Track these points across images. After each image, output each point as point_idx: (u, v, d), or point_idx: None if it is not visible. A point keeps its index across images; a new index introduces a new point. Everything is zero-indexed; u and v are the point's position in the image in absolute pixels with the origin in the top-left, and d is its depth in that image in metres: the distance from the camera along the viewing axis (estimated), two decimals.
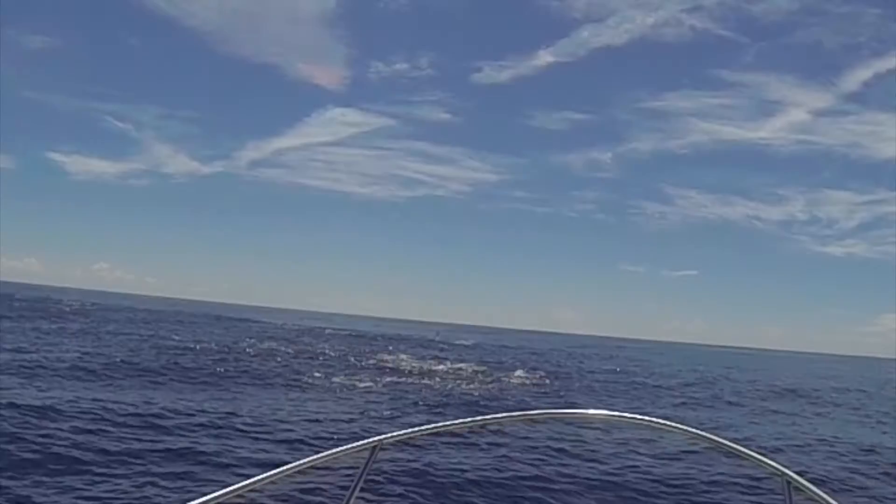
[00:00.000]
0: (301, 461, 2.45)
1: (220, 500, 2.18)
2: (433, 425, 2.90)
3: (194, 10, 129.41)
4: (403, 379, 22.78)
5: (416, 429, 2.82)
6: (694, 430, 2.76)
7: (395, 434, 2.71)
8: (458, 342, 51.28)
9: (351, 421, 13.82)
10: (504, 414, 3.08)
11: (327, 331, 53.32)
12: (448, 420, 3.00)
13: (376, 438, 2.62)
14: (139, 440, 10.34)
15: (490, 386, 22.39)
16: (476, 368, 28.44)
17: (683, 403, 22.16)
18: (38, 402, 12.12)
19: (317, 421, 13.37)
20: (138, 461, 9.28)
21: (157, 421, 11.72)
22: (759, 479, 9.18)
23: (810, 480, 2.46)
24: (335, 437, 11.89)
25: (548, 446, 11.43)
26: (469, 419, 2.99)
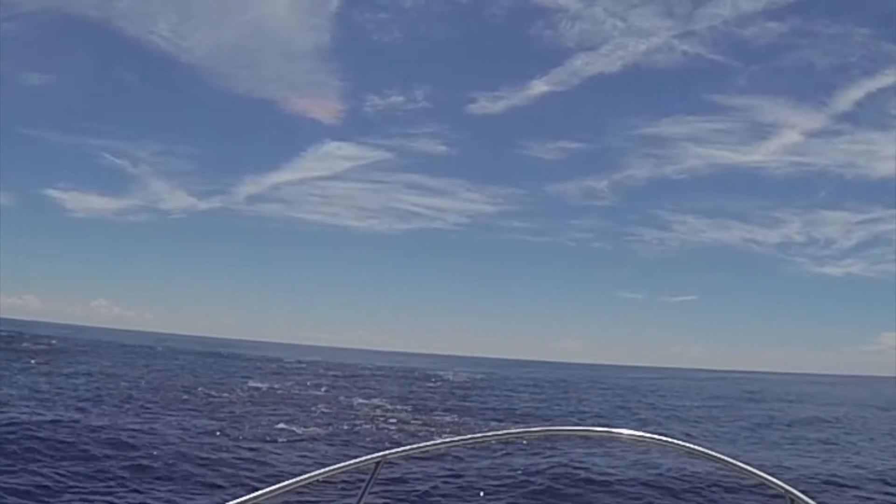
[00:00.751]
0: (306, 475, 2.47)
1: None
2: (439, 441, 3.08)
3: (190, 46, 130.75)
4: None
5: (422, 444, 2.86)
6: (699, 447, 2.78)
7: (399, 449, 2.74)
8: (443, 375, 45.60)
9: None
10: (508, 431, 3.12)
11: (320, 367, 52.68)
12: (450, 437, 3.09)
13: (380, 454, 2.62)
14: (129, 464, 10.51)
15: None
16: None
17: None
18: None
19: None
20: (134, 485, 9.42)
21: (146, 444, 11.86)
22: (763, 498, 9.19)
23: (815, 499, 2.49)
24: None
25: (552, 463, 11.45)
26: (472, 436, 3.05)
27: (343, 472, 2.55)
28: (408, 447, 2.79)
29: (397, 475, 9.48)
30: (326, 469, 2.52)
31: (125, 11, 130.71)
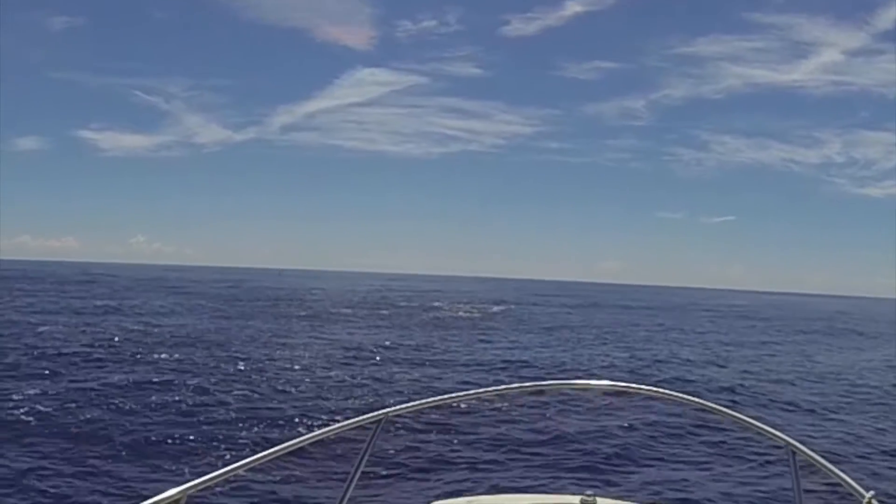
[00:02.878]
0: (308, 435, 2.49)
1: (230, 474, 2.22)
2: (438, 398, 2.94)
3: None
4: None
5: (422, 401, 2.88)
6: (699, 400, 2.80)
7: (400, 406, 2.76)
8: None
9: None
10: (506, 386, 3.17)
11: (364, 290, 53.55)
12: (453, 393, 3.08)
13: (382, 411, 2.66)
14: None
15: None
16: None
17: None
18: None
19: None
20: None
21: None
22: (763, 449, 9.10)
23: (814, 450, 2.50)
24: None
25: (553, 416, 11.45)
26: (473, 391, 3.07)
27: (345, 431, 2.58)
28: (409, 404, 2.82)
29: (400, 431, 9.49)
30: (329, 428, 2.55)
31: None
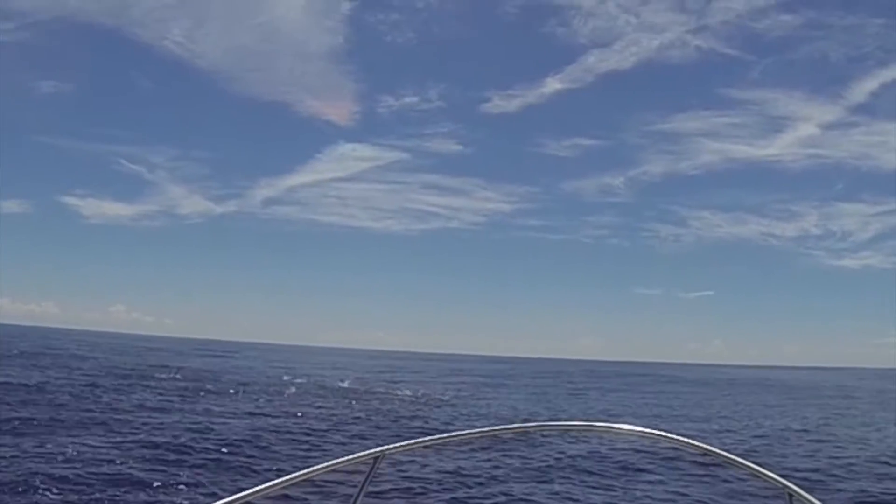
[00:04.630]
0: (304, 471, 2.49)
1: None
2: (437, 436, 2.94)
3: (204, 50, 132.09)
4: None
5: (420, 440, 2.86)
6: (697, 442, 2.78)
7: (398, 445, 2.73)
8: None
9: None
10: (503, 426, 3.18)
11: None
12: (452, 432, 3.11)
13: (379, 449, 2.64)
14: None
15: None
16: None
17: None
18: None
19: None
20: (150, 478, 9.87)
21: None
22: (762, 493, 9.35)
23: (813, 494, 2.51)
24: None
25: (550, 457, 11.67)
26: (468, 431, 3.01)
27: (342, 467, 2.57)
28: (407, 442, 2.79)
29: (396, 470, 9.69)
30: (326, 464, 2.54)
31: (139, 18, 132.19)
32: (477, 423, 18.10)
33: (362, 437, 14.55)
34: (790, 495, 2.51)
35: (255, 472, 10.77)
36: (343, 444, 13.68)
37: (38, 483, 9.26)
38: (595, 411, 24.42)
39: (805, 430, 19.99)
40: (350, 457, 2.60)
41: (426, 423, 18.39)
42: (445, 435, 3.00)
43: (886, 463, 13.83)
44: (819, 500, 2.49)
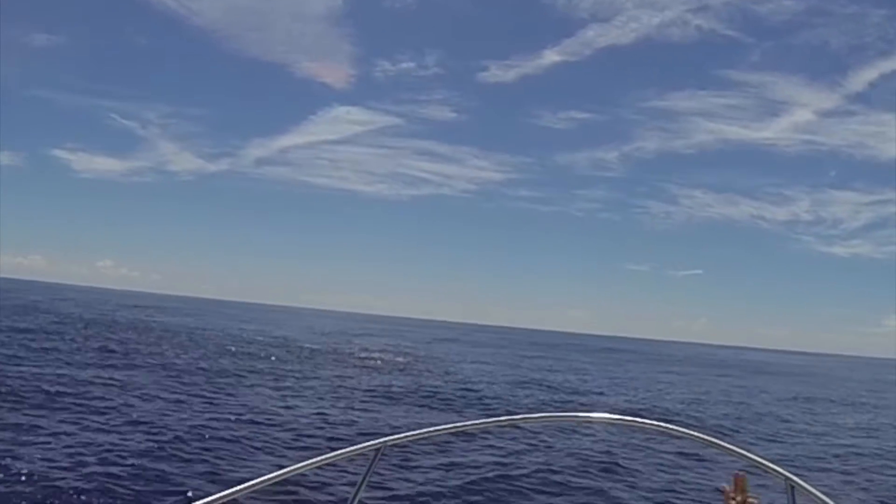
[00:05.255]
0: (306, 462, 2.49)
1: (225, 499, 2.22)
2: (437, 427, 2.93)
3: (201, 8, 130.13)
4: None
5: (420, 431, 2.86)
6: (696, 433, 2.79)
7: (399, 436, 2.75)
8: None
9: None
10: (507, 417, 3.21)
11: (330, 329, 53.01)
12: (453, 422, 3.05)
13: (380, 440, 2.66)
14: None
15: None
16: None
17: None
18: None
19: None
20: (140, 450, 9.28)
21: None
22: (762, 483, 9.13)
23: (813, 484, 2.47)
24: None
25: (550, 447, 11.45)
26: (471, 422, 3.07)
27: (343, 459, 2.59)
28: (408, 434, 2.81)
29: (398, 461, 9.37)
30: (327, 455, 2.55)
31: None
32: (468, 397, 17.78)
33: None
34: (791, 486, 2.48)
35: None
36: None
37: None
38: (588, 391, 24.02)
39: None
40: (351, 448, 2.60)
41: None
42: (447, 426, 3.01)
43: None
44: (821, 490, 2.45)
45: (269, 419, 12.70)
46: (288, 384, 18.33)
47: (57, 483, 7.97)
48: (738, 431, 16.42)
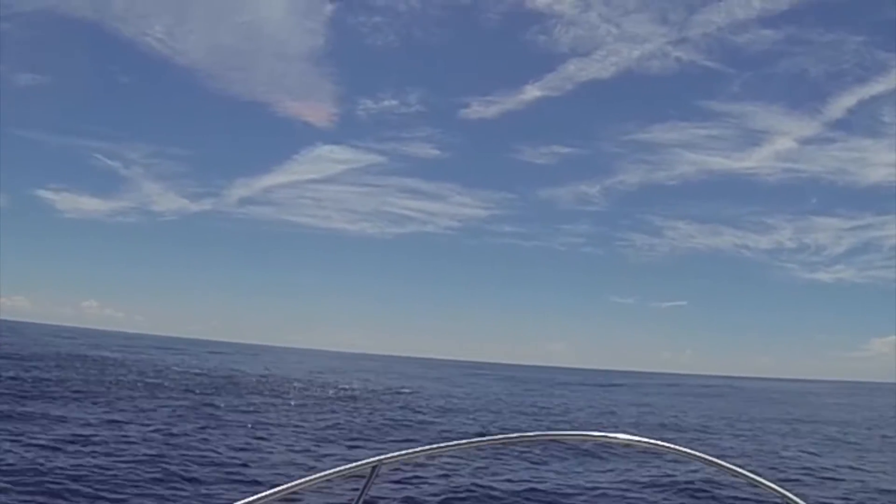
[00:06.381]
0: (300, 480, 2.46)
1: None
2: (433, 446, 2.91)
3: (185, 48, 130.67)
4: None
5: (416, 449, 2.84)
6: (695, 452, 2.77)
7: (394, 454, 2.70)
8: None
9: None
10: (504, 435, 3.24)
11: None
12: (448, 441, 2.99)
13: (376, 458, 2.63)
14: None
15: None
16: None
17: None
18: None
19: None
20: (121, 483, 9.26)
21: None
22: (759, 500, 9.19)
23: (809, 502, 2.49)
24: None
25: (548, 467, 11.45)
26: (467, 440, 3.03)
27: (339, 477, 2.54)
28: (404, 452, 2.76)
29: (394, 480, 9.39)
30: (322, 474, 2.50)
31: (120, 13, 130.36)
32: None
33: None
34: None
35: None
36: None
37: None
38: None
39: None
40: (347, 466, 2.57)
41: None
42: (444, 445, 2.93)
43: None
44: None
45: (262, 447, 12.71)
46: (281, 420, 18.28)
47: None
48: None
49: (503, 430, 18.17)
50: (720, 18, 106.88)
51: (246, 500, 2.30)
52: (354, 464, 2.57)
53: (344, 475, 2.55)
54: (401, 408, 24.03)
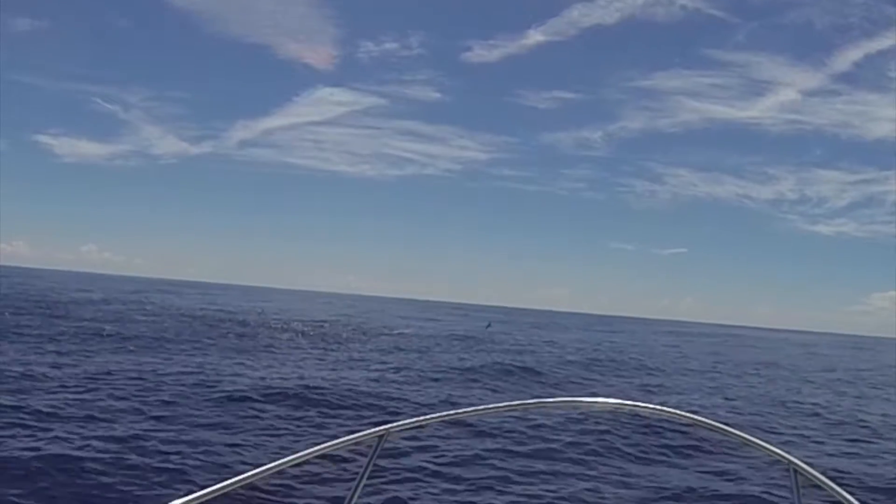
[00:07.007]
0: (309, 450, 2.48)
1: (230, 488, 2.22)
2: (440, 414, 2.92)
3: None
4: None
5: (424, 417, 2.85)
6: (699, 417, 2.77)
7: (402, 423, 2.73)
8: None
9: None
10: (507, 403, 3.11)
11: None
12: (456, 409, 3.03)
13: (383, 427, 2.66)
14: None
15: None
16: None
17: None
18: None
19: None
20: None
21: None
22: (764, 467, 9.23)
23: (816, 468, 2.47)
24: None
25: (554, 433, 11.42)
26: (473, 408, 3.03)
27: (345, 447, 2.58)
28: (411, 420, 2.79)
29: (402, 448, 9.33)
30: (328, 444, 2.53)
31: None
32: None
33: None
34: (795, 470, 2.47)
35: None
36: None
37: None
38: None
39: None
40: (353, 436, 2.58)
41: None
42: (450, 412, 2.96)
43: None
44: (823, 473, 2.45)
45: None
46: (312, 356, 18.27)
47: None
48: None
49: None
50: None
51: (256, 471, 2.31)
52: (360, 433, 2.60)
53: (350, 445, 2.58)
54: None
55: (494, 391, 17.51)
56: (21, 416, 10.33)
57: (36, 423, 9.97)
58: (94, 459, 8.55)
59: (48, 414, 10.61)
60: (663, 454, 10.83)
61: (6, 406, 10.77)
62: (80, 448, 8.95)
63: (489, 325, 45.61)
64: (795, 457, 2.50)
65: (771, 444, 2.62)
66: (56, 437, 9.38)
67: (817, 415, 16.99)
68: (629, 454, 10.72)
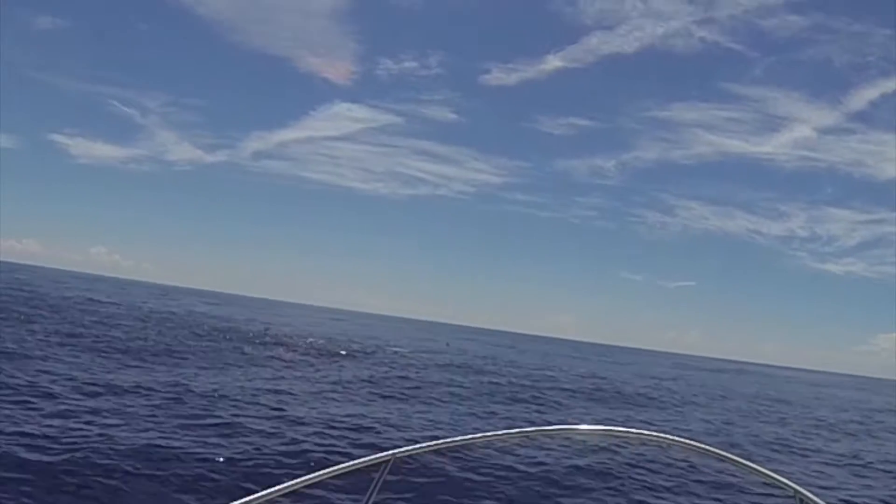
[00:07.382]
0: (313, 474, 2.47)
1: None
2: (449, 440, 2.92)
3: None
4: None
5: (429, 444, 2.85)
6: (702, 445, 2.77)
7: (408, 448, 2.74)
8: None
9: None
10: (518, 430, 3.48)
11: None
12: (462, 435, 3.02)
13: (389, 452, 2.65)
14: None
15: None
16: None
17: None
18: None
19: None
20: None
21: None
22: (770, 496, 9.14)
23: (822, 498, 2.45)
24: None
25: (557, 461, 11.26)
26: (480, 435, 3.04)
27: (352, 471, 2.55)
28: (418, 446, 2.78)
29: (407, 473, 9.14)
30: (335, 468, 2.51)
31: None
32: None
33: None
34: (801, 500, 2.44)
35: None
36: None
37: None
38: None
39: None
40: (360, 460, 2.57)
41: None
42: (457, 438, 2.95)
43: None
44: (829, 503, 2.32)
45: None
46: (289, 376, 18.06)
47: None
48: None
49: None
50: (747, 1, 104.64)
51: (261, 493, 2.29)
52: (367, 458, 2.59)
53: (357, 469, 2.56)
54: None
55: (504, 417, 17.29)
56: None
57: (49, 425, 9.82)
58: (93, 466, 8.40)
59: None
60: (669, 481, 10.72)
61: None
62: (71, 451, 8.79)
63: (448, 344, 46.41)
64: (801, 485, 2.48)
65: (776, 472, 2.59)
66: (60, 439, 9.26)
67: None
68: (633, 480, 10.62)
